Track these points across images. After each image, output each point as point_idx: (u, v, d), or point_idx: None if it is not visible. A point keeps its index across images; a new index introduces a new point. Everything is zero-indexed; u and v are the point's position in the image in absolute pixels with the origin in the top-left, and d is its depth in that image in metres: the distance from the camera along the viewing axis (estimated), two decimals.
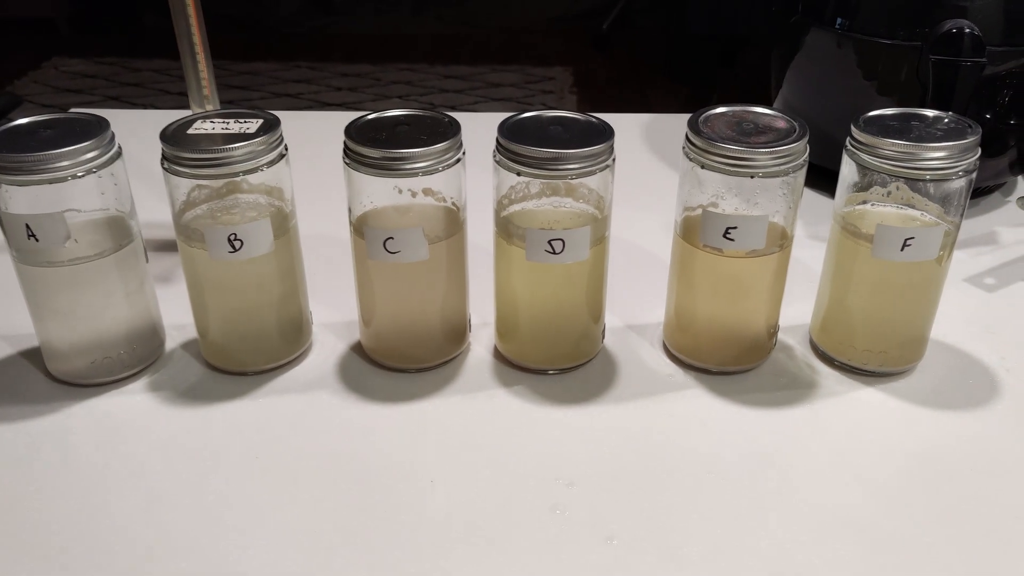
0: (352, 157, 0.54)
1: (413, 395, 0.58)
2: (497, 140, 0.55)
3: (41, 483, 0.51)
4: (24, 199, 0.52)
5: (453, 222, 0.57)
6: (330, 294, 0.66)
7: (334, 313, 0.66)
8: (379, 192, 0.56)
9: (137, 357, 0.59)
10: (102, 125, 0.54)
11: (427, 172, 0.54)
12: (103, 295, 0.56)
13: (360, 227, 0.56)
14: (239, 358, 0.60)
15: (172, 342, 0.63)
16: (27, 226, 0.52)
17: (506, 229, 0.56)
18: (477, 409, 0.57)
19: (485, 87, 2.77)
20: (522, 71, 2.87)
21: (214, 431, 0.55)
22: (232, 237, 0.54)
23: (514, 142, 0.53)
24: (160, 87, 2.64)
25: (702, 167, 0.54)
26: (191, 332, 0.63)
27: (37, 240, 0.52)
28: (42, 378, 0.59)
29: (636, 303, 0.67)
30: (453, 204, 0.57)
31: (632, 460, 0.53)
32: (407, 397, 0.58)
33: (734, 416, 0.57)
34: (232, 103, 0.52)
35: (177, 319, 0.63)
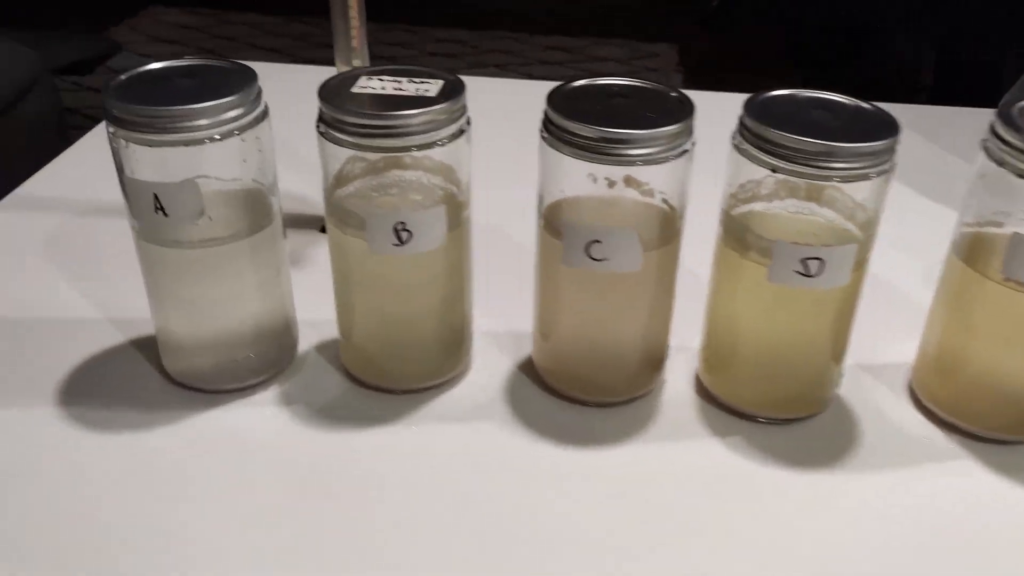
0: (555, 133, 0.42)
1: (599, 437, 0.47)
2: (741, 121, 0.42)
3: (148, 504, 0.42)
4: (150, 163, 0.42)
5: (669, 226, 0.45)
6: (494, 298, 0.54)
7: (498, 321, 0.54)
8: (572, 179, 0.44)
9: (268, 361, 0.49)
10: (247, 76, 0.43)
11: (649, 161, 0.42)
12: (234, 285, 0.46)
13: (553, 221, 0.45)
14: (391, 372, 0.49)
15: (305, 342, 0.53)
16: (155, 196, 0.42)
17: (741, 237, 0.44)
18: (679, 464, 0.45)
19: (587, 60, 2.65)
20: (626, 45, 2.73)
21: (360, 460, 0.45)
22: (400, 226, 0.43)
23: (765, 125, 0.41)
24: (251, 41, 2.59)
25: (1019, 175, 0.41)
26: (327, 331, 0.52)
27: (166, 214, 0.42)
28: (157, 376, 0.50)
29: (879, 337, 0.53)
30: (667, 203, 0.45)
31: (888, 550, 0.41)
32: (592, 438, 0.47)
33: (1020, 500, 0.44)
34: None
35: (310, 313, 0.52)
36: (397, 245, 0.43)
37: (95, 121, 0.73)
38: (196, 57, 0.45)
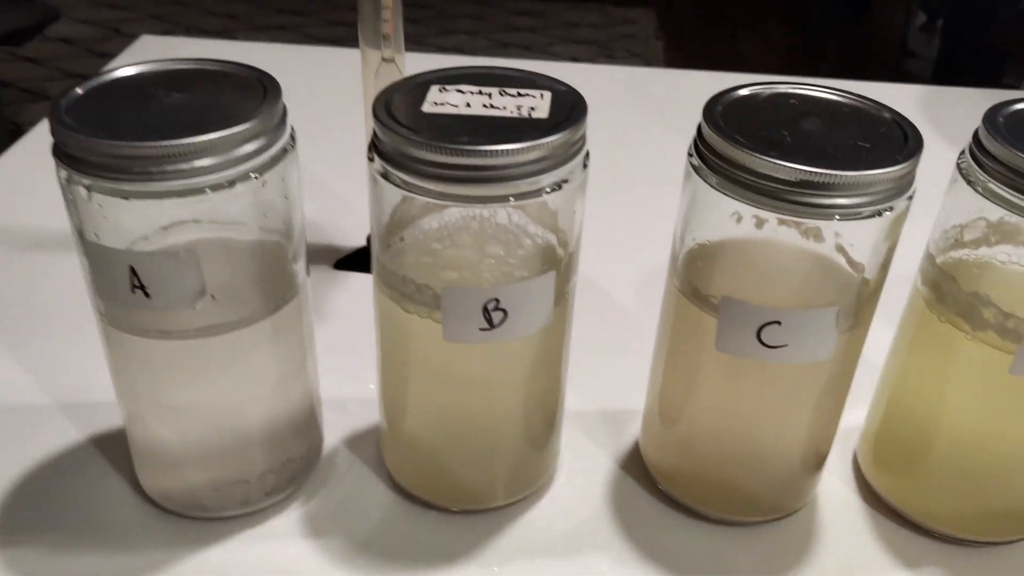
0: (719, 169, 0.30)
1: (746, 570, 0.35)
2: (980, 143, 0.30)
3: None
4: (125, 221, 0.28)
5: (866, 298, 0.32)
6: (572, 367, 0.41)
7: (580, 398, 0.41)
8: (714, 221, 0.32)
9: (287, 475, 0.35)
10: (266, 88, 0.29)
11: (852, 215, 0.29)
12: (247, 383, 0.32)
13: (698, 284, 0.32)
14: (462, 487, 0.36)
15: (330, 433, 0.39)
16: (133, 271, 0.28)
17: (969, 309, 0.32)
18: None
19: (561, 27, 2.50)
20: (600, 10, 2.59)
21: None
22: (492, 305, 0.30)
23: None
24: (206, 8, 2.38)
25: None
26: (358, 416, 0.40)
27: (147, 295, 0.28)
28: (129, 495, 0.36)
29: None
30: (848, 260, 0.32)
31: None
32: (735, 572, 0.34)
33: None
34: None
35: (331, 390, 0.39)
36: (486, 329, 0.30)
37: (34, 96, 0.58)
38: (182, 60, 0.30)
